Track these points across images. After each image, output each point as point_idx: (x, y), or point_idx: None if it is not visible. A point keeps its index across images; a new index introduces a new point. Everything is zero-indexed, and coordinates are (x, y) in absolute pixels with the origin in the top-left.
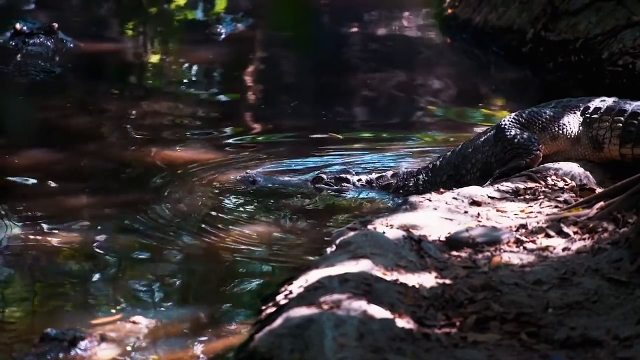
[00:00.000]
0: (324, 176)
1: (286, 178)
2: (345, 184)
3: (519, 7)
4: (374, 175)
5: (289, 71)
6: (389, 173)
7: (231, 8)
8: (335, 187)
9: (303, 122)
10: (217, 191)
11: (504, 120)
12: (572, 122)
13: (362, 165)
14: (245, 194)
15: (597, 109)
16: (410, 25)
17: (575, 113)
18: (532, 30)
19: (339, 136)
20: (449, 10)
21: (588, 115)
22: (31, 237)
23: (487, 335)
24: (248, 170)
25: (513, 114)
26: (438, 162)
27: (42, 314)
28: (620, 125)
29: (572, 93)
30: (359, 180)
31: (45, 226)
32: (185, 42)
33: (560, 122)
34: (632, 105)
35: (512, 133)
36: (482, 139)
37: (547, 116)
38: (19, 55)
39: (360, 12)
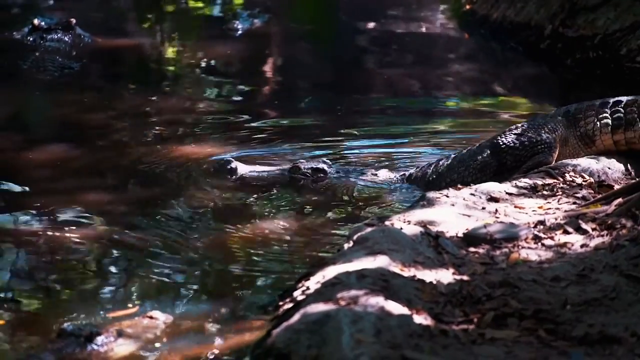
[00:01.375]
0: (301, 166)
1: (264, 167)
2: (322, 174)
3: (537, 3)
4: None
5: (306, 66)
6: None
7: (248, 4)
8: (312, 178)
9: (319, 118)
10: (233, 186)
11: (504, 137)
12: (556, 127)
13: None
14: (261, 189)
15: (578, 109)
16: (428, 21)
17: (556, 118)
18: (550, 27)
19: (355, 132)
20: (467, 6)
21: (571, 117)
22: (49, 232)
23: (505, 332)
24: (226, 157)
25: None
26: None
27: (59, 310)
28: (607, 115)
29: (590, 89)
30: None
31: (62, 222)
32: (202, 37)
33: (546, 129)
34: (611, 99)
35: (529, 134)
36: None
37: (537, 127)
38: (37, 51)
39: (379, 8)
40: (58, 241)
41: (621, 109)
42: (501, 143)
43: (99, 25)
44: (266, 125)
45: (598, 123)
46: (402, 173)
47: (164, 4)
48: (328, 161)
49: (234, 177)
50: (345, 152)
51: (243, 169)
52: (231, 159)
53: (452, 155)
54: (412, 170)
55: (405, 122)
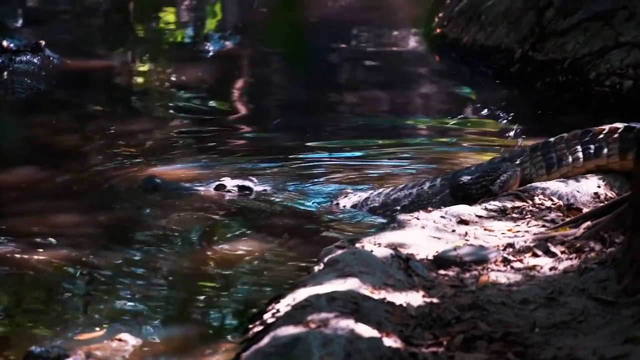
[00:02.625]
0: (226, 183)
1: (188, 184)
2: (247, 192)
3: (507, 27)
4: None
5: (276, 87)
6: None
7: (219, 26)
8: (237, 194)
9: (288, 139)
10: (203, 208)
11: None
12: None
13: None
14: (233, 210)
15: (518, 154)
16: (399, 44)
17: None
18: (520, 50)
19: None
20: (438, 30)
21: (517, 163)
22: (17, 254)
23: (475, 355)
24: (150, 175)
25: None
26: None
27: (26, 333)
28: (540, 157)
29: (560, 113)
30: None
31: (30, 244)
32: (173, 59)
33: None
34: (542, 141)
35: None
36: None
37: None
38: (5, 73)
39: (350, 30)
40: (25, 263)
41: (540, 152)
42: (462, 181)
43: (68, 47)
44: (235, 144)
45: (534, 167)
46: (343, 194)
47: (135, 25)
48: (254, 179)
49: (158, 194)
50: (303, 166)
51: (167, 186)
52: (154, 176)
53: (403, 187)
54: (351, 193)
55: (369, 141)
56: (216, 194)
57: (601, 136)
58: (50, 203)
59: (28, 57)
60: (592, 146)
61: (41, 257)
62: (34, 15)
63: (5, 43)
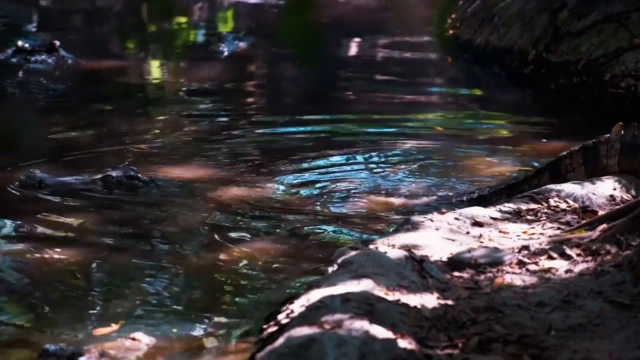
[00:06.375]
0: (113, 174)
1: (73, 178)
2: (136, 181)
3: (521, 28)
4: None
5: (290, 88)
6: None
7: (233, 27)
8: (127, 186)
9: (302, 140)
10: (217, 208)
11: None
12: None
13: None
14: (244, 211)
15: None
16: (412, 45)
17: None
18: (533, 52)
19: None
20: (451, 31)
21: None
22: (32, 252)
23: (490, 357)
24: (32, 170)
25: None
26: None
27: (41, 330)
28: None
29: (574, 114)
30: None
31: (45, 242)
32: (187, 60)
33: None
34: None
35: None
36: None
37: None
38: (20, 73)
39: (363, 31)
40: (41, 261)
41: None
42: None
43: (82, 48)
44: (249, 144)
45: None
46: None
47: (148, 26)
48: (135, 168)
49: (42, 188)
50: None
51: (50, 180)
52: (35, 171)
53: None
54: None
55: (384, 147)
56: (104, 186)
57: None
58: (64, 201)
59: (43, 57)
60: None
61: (55, 255)
62: (47, 15)
63: (20, 43)
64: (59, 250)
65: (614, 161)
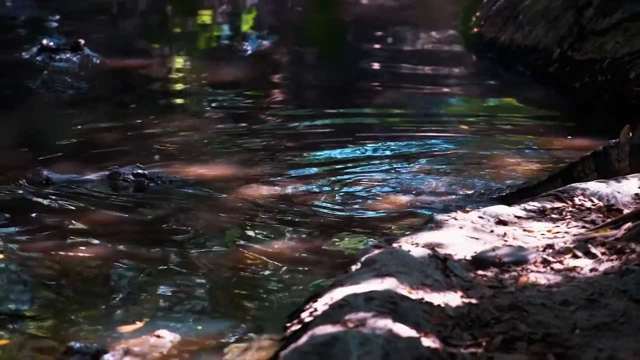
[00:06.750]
0: (121, 171)
1: (80, 175)
2: (143, 179)
3: (545, 26)
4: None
5: (313, 86)
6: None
7: (257, 25)
8: (135, 183)
9: (322, 135)
10: (242, 206)
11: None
12: None
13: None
14: (267, 209)
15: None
16: (436, 43)
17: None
18: (558, 50)
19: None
20: (475, 29)
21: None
22: (56, 249)
23: (514, 356)
24: (39, 168)
25: None
26: None
27: (65, 328)
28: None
29: (598, 113)
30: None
31: (70, 239)
32: (211, 58)
33: None
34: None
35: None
36: None
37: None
38: (45, 71)
39: (387, 29)
40: (63, 259)
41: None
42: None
43: (107, 46)
44: (273, 141)
45: None
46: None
47: (173, 25)
48: (141, 165)
49: (50, 186)
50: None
51: (57, 177)
52: (41, 168)
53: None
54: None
55: (405, 145)
56: (111, 183)
57: None
58: (90, 199)
59: (68, 55)
60: None
61: (81, 253)
62: (71, 14)
63: (45, 42)
64: (82, 248)
65: (625, 164)
